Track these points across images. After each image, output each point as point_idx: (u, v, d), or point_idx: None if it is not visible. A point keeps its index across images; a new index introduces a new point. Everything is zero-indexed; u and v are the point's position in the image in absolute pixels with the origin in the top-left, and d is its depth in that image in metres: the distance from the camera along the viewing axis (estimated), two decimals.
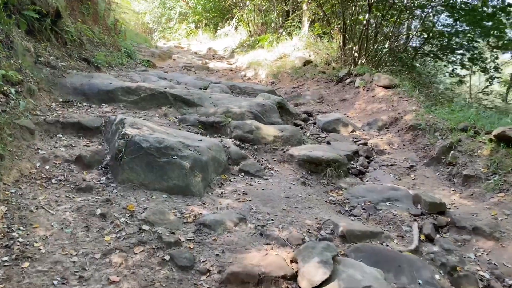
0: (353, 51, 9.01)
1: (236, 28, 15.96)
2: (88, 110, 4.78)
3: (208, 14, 19.89)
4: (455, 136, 4.59)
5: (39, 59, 5.13)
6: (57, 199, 3.15)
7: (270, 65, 9.96)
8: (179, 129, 4.61)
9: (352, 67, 8.56)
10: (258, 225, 3.11)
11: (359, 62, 8.90)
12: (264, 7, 13.88)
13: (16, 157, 3.46)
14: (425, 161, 4.69)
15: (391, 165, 4.72)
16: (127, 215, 3.03)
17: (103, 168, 3.64)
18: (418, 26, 9.41)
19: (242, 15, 14.90)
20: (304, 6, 11.21)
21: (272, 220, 3.21)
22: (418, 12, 9.85)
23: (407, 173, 4.54)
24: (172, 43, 17.48)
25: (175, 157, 3.59)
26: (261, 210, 3.35)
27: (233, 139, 4.63)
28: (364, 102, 6.74)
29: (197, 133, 4.62)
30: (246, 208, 3.36)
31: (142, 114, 5.01)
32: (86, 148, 3.82)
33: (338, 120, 5.80)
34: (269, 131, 4.78)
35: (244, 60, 11.53)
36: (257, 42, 12.72)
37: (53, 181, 3.37)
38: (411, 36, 9.69)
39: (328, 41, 9.78)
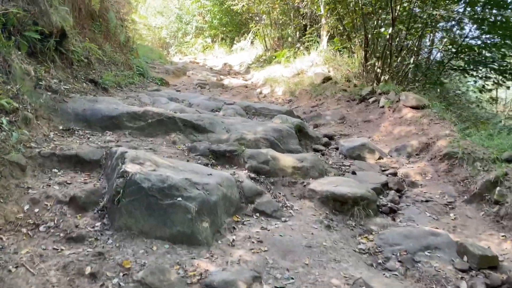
0: (375, 67, 8.49)
1: (252, 43, 15.62)
2: (90, 139, 4.39)
3: (224, 29, 19.68)
4: (500, 168, 4.01)
5: (40, 83, 4.79)
6: (43, 252, 2.71)
7: (287, 82, 9.51)
8: (188, 160, 4.17)
9: (375, 84, 8.04)
10: (276, 287, 2.61)
11: (382, 79, 8.37)
12: (280, 21, 13.49)
13: (1, 200, 3.06)
14: (465, 197, 4.12)
15: (426, 201, 4.16)
16: (121, 274, 2.57)
17: (99, 211, 3.21)
18: (445, 39, 8.82)
19: (258, 29, 14.55)
20: (323, 20, 10.77)
21: (293, 279, 2.71)
22: (442, 24, 9.28)
23: (445, 211, 3.98)
24: (187, 58, 17.26)
25: (179, 198, 3.14)
26: (279, 265, 2.85)
27: (247, 171, 4.16)
28: (390, 124, 6.19)
29: (207, 165, 4.17)
30: (261, 262, 2.86)
31: (149, 142, 4.60)
32: (82, 187, 3.39)
33: (364, 145, 5.27)
34: (287, 161, 4.29)
35: (260, 76, 11.12)
36: (274, 57, 12.31)
37: (41, 228, 2.95)
38: (437, 50, 9.12)
39: (348, 56, 9.28)
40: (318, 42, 10.96)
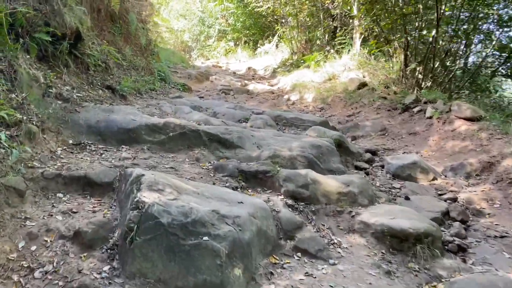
0: (417, 72, 7.73)
1: (277, 46, 14.99)
2: (103, 155, 3.83)
3: (247, 32, 19.17)
4: None
5: (49, 90, 4.28)
6: None
7: (317, 88, 8.83)
8: (214, 183, 3.56)
9: (417, 91, 7.29)
10: None
11: (423, 85, 7.61)
12: (308, 23, 12.83)
13: None
14: None
15: (501, 236, 3.43)
16: None
17: (108, 250, 2.63)
18: (494, 42, 7.99)
19: (284, 32, 13.92)
20: (355, 22, 10.07)
21: None
22: (489, 26, 8.45)
23: None
24: (210, 62, 16.78)
25: (206, 237, 2.53)
26: None
27: (283, 196, 3.52)
28: (441, 138, 5.45)
29: (236, 188, 3.55)
30: None
31: (169, 159, 4.02)
32: (90, 218, 2.82)
33: (415, 164, 4.57)
34: (331, 185, 3.64)
35: (287, 81, 10.47)
36: (302, 61, 11.66)
37: (36, 273, 2.39)
38: (485, 54, 8.28)
39: (385, 60, 8.54)
40: (350, 45, 10.25)
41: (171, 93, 7.53)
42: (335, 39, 11.08)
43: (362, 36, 9.88)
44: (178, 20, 21.88)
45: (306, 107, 8.12)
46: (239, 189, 3.55)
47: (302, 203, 3.49)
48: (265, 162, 3.95)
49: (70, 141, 3.92)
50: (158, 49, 9.40)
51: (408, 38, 7.72)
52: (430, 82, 7.61)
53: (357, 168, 4.74)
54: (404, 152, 5.34)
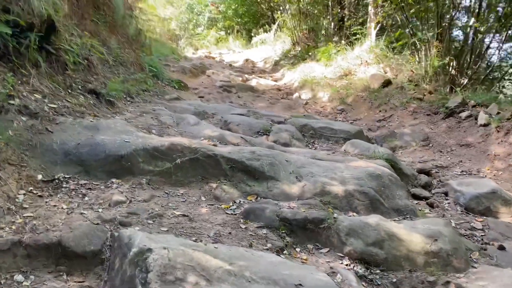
0: (451, 67, 6.71)
1: (276, 35, 13.79)
2: (86, 198, 2.70)
3: (239, 20, 18.00)
4: None
5: (10, 102, 3.10)
6: None
7: (332, 85, 7.75)
8: (251, 244, 2.46)
9: (459, 91, 6.27)
10: None
11: (460, 83, 6.61)
12: (312, 11, 11.66)
13: None
14: None
15: None
16: None
17: None
18: None
19: (284, 20, 12.74)
20: (370, 9, 8.97)
21: None
22: None
23: None
24: (201, 52, 15.49)
25: None
26: None
27: (348, 262, 2.46)
28: (506, 154, 4.45)
29: (281, 250, 2.46)
30: None
31: (179, 199, 2.91)
32: None
33: (495, 194, 3.54)
34: (412, 240, 2.59)
35: (294, 76, 9.36)
36: (307, 53, 10.55)
37: None
38: None
39: (410, 54, 7.48)
40: (363, 35, 9.16)
41: (167, 93, 6.36)
42: (344, 29, 9.99)
43: (379, 25, 8.79)
44: (165, 8, 20.48)
45: (323, 108, 7.04)
46: (285, 251, 2.47)
47: (378, 271, 2.43)
48: (312, 202, 2.87)
49: (39, 177, 2.77)
50: (149, 40, 8.14)
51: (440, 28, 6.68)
52: (467, 80, 6.60)
53: (416, 197, 3.70)
54: (463, 172, 4.32)
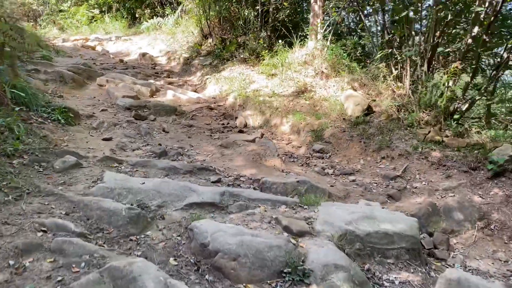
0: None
1: (175, 23, 10.99)
2: None
3: None
4: None
5: None
6: None
7: (291, 108, 5.70)
8: None
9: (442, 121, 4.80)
10: None
11: (456, 111, 5.18)
12: None
13: None
14: None
15: None
16: None
17: None
18: None
19: (188, 5, 10.05)
20: (316, 3, 7.04)
21: None
22: None
23: None
24: (76, 40, 11.81)
25: None
26: None
27: None
28: None
29: None
30: None
31: None
32: None
33: None
34: None
35: (223, 86, 7.02)
36: (227, 50, 8.25)
37: None
38: None
39: (386, 65, 5.82)
40: (305, 32, 7.25)
41: (52, 147, 3.54)
42: (269, 23, 7.94)
43: (329, 22, 6.96)
44: None
45: (291, 146, 4.95)
46: None
47: None
48: None
49: None
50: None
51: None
52: (467, 105, 5.21)
53: None
54: None
